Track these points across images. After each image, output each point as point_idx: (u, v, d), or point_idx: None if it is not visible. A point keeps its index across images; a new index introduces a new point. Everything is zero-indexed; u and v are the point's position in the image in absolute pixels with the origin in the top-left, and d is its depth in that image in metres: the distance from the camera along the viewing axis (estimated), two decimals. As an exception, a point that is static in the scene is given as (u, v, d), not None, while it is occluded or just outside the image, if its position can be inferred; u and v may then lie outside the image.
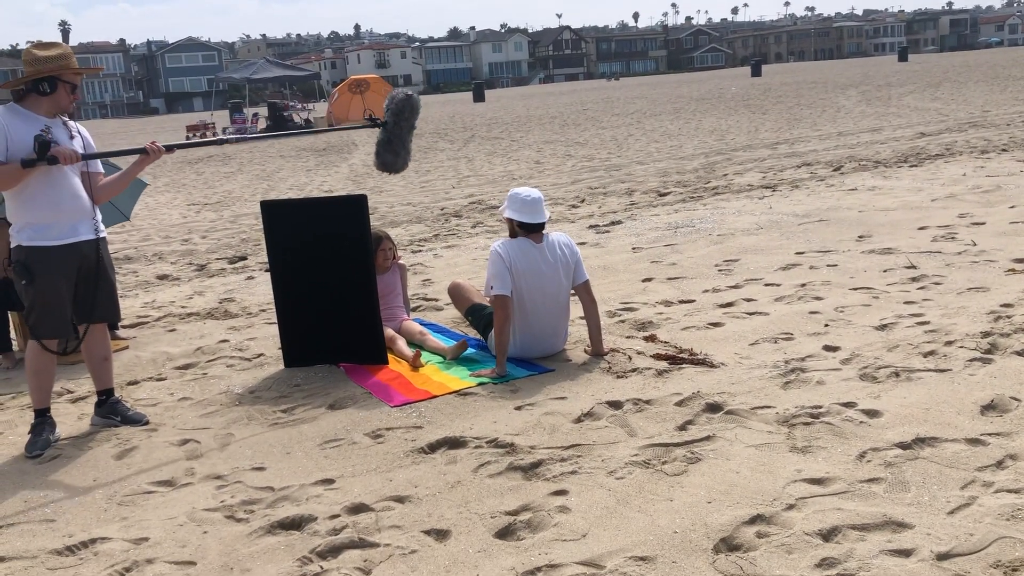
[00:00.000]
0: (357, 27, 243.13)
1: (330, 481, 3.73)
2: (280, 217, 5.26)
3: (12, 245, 4.30)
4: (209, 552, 3.21)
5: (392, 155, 5.14)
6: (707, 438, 3.84)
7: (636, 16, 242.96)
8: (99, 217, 4.48)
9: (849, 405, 4.05)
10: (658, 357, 4.94)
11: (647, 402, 4.30)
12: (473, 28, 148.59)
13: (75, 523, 3.54)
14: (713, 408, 4.15)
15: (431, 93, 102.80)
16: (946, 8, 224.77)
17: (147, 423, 4.60)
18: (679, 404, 4.24)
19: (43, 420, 4.42)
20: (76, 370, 5.53)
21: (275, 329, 5.69)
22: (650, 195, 11.93)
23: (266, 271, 8.20)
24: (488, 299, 5.21)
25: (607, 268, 7.44)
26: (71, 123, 4.42)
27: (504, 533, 3.19)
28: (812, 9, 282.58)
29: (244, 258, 9.68)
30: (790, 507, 3.18)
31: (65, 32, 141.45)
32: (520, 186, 5.45)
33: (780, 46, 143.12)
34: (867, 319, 5.37)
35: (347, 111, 33.15)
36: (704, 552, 2.95)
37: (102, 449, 4.31)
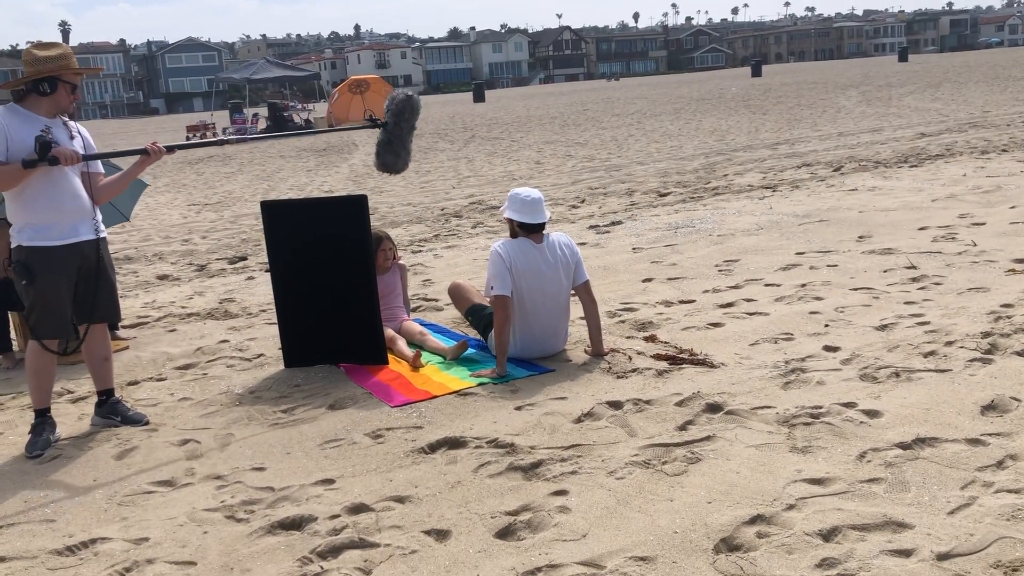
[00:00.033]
0: (357, 27, 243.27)
1: (330, 481, 3.73)
2: (280, 217, 5.26)
3: (12, 245, 4.30)
4: (209, 552, 3.22)
5: (392, 156, 5.14)
6: (707, 438, 3.84)
7: (636, 16, 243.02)
8: (99, 217, 4.49)
9: (849, 405, 4.05)
10: (658, 357, 4.94)
11: (647, 402, 4.30)
12: (473, 28, 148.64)
13: (75, 523, 3.54)
14: (713, 408, 4.15)
15: (431, 93, 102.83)
16: (946, 8, 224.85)
17: (147, 423, 4.61)
18: (679, 404, 4.24)
19: (43, 420, 4.42)
20: (76, 370, 5.54)
21: (275, 329, 5.69)
22: (650, 195, 11.93)
23: (266, 271, 8.20)
24: (488, 299, 5.21)
25: (607, 268, 7.44)
26: (71, 123, 4.42)
27: (504, 533, 3.19)
28: (812, 9, 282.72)
29: (244, 258, 9.68)
30: (790, 507, 3.18)
31: (65, 32, 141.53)
32: (520, 186, 5.46)
33: (780, 46, 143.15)
34: (867, 319, 5.37)
35: (347, 111, 33.15)
36: (704, 552, 2.95)
37: (102, 449, 4.31)
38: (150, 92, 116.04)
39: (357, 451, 4.04)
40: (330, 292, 5.22)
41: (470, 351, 5.30)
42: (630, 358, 4.97)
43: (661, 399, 4.32)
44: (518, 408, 4.39)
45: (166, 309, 7.28)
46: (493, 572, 2.94)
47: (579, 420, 4.17)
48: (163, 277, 8.93)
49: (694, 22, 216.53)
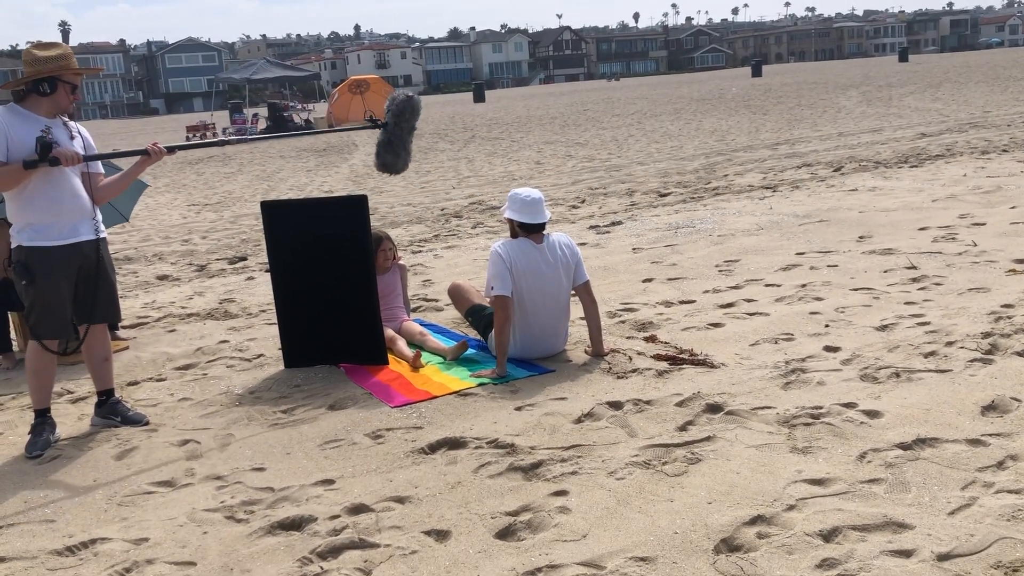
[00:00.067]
0: (357, 27, 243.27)
1: (330, 481, 3.73)
2: (280, 217, 5.26)
3: (12, 245, 4.30)
4: (209, 552, 3.21)
5: (392, 156, 5.14)
6: (707, 439, 3.84)
7: (636, 16, 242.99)
8: (99, 217, 4.48)
9: (849, 406, 4.05)
10: (658, 358, 4.94)
11: (647, 403, 4.30)
12: (473, 28, 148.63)
13: (75, 523, 3.54)
14: (713, 409, 4.15)
15: (431, 93, 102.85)
16: (946, 9, 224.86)
17: (147, 423, 4.60)
18: (679, 405, 4.24)
19: (43, 420, 4.42)
20: (76, 370, 5.53)
21: (275, 330, 5.69)
22: (650, 196, 11.93)
23: (266, 271, 8.20)
24: (488, 300, 5.21)
25: (607, 268, 7.44)
26: (71, 123, 4.42)
27: (504, 534, 3.19)
28: (812, 9, 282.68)
29: (244, 259, 9.68)
30: (790, 508, 3.18)
31: (65, 32, 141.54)
32: (521, 187, 5.46)
33: (780, 46, 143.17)
34: (868, 320, 5.37)
35: (347, 111, 33.16)
36: (704, 553, 2.95)
37: (102, 449, 4.31)
38: (150, 92, 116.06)
39: (357, 451, 4.04)
40: (330, 292, 5.22)
41: (470, 351, 5.30)
42: (630, 358, 4.97)
43: (661, 399, 4.32)
44: (518, 408, 4.38)
45: (166, 309, 7.28)
46: (493, 572, 2.94)
47: (579, 420, 4.17)
48: (163, 277, 8.93)
49: (694, 22, 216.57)
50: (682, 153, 17.08)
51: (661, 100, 38.40)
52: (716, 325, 5.54)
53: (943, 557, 2.80)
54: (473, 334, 5.72)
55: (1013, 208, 8.58)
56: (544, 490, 3.49)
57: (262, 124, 35.15)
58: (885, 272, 6.51)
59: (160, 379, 5.40)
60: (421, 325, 5.80)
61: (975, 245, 7.10)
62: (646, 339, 5.34)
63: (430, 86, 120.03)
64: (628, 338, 5.41)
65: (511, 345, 5.04)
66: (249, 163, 21.67)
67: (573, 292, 5.16)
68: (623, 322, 5.77)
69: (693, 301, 6.16)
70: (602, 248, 8.40)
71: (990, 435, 3.64)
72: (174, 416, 4.71)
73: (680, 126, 23.60)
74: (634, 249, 8.21)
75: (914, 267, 6.56)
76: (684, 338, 5.32)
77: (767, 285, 6.44)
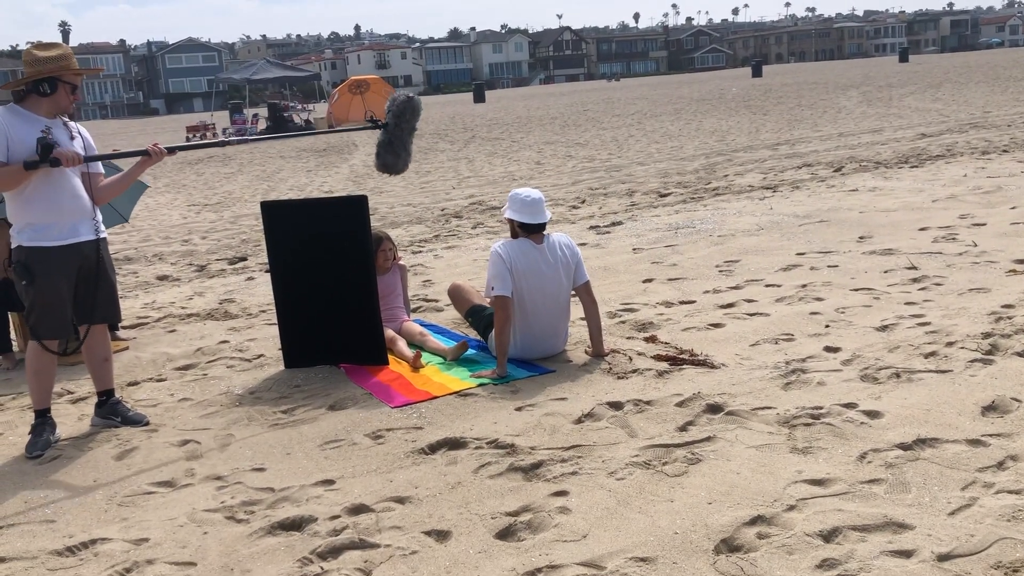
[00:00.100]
0: (357, 28, 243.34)
1: (330, 482, 3.73)
2: (280, 218, 5.26)
3: (12, 245, 4.30)
4: (209, 553, 3.21)
5: (393, 156, 5.14)
6: (708, 439, 3.84)
7: (636, 17, 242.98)
8: (99, 217, 4.48)
9: (850, 406, 4.05)
10: (659, 358, 4.94)
11: (648, 403, 4.30)
12: (473, 29, 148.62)
13: (75, 524, 3.54)
14: (714, 409, 4.15)
15: (431, 94, 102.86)
16: (947, 9, 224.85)
17: (147, 424, 4.60)
18: (680, 405, 4.24)
19: (43, 421, 4.42)
20: (76, 371, 5.53)
21: (275, 330, 5.69)
22: (651, 196, 11.93)
23: (266, 272, 8.19)
24: (488, 300, 5.21)
25: (608, 269, 7.44)
26: (71, 124, 4.42)
27: (505, 534, 3.19)
28: (813, 10, 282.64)
29: (244, 259, 9.68)
30: (791, 508, 3.18)
31: (65, 33, 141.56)
32: (521, 187, 5.46)
33: (781, 47, 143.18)
34: (868, 320, 5.37)
35: (347, 112, 33.14)
36: (705, 553, 2.95)
37: (102, 450, 4.31)
38: (150, 92, 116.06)
39: (357, 452, 4.04)
40: (330, 293, 5.22)
41: (470, 352, 5.30)
42: (630, 359, 4.97)
43: (661, 400, 4.32)
44: (518, 409, 4.38)
45: (166, 310, 7.28)
46: (493, 573, 2.94)
47: (579, 421, 4.17)
48: (163, 278, 8.93)
49: (694, 22, 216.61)
50: (682, 153, 17.08)
51: (661, 100, 38.40)
52: (716, 325, 5.54)
53: (943, 557, 2.80)
54: (473, 334, 5.72)
55: (1013, 208, 8.58)
56: (544, 490, 3.49)
57: (262, 124, 35.16)
58: (885, 272, 6.51)
59: (160, 379, 5.40)
60: (421, 325, 5.80)
61: (975, 245, 7.10)
62: (646, 339, 5.34)
63: (430, 86, 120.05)
64: (628, 338, 5.41)
65: (511, 345, 5.04)
66: (249, 163, 21.67)
67: (573, 292, 5.16)
68: (623, 322, 5.77)
69: (693, 301, 6.16)
70: (602, 248, 8.40)
71: (990, 435, 3.64)
72: (174, 416, 4.71)
73: (680, 126, 23.60)
74: (634, 249, 8.21)
75: (914, 267, 6.56)
76: (684, 338, 5.31)
77: (767, 285, 6.44)
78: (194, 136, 34.82)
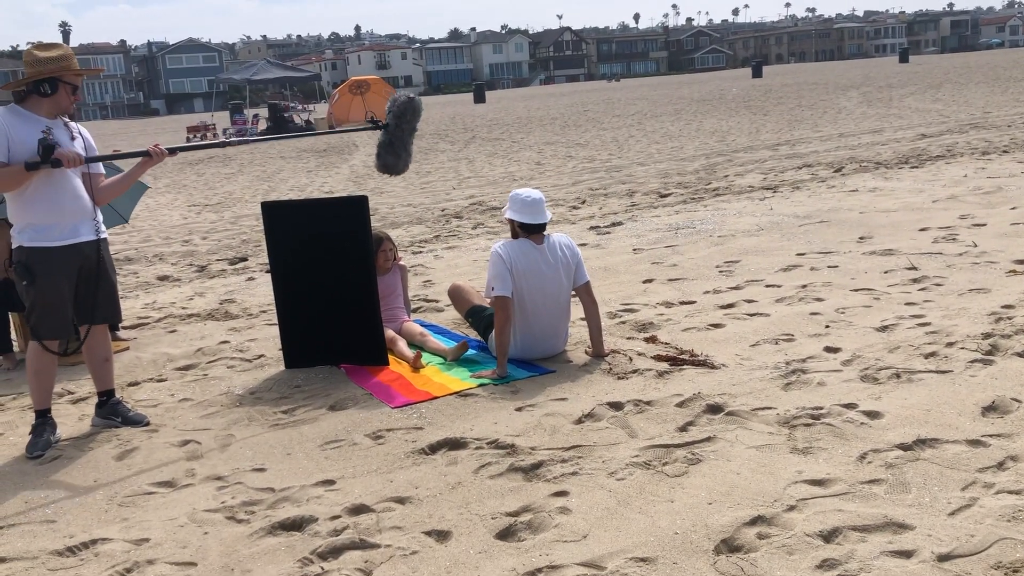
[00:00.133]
0: (357, 28, 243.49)
1: (331, 482, 3.73)
2: (281, 218, 5.26)
3: (13, 246, 4.31)
4: (210, 553, 3.22)
5: (393, 157, 5.15)
6: (708, 439, 3.84)
7: (637, 17, 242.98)
8: (100, 218, 4.49)
9: (850, 406, 4.05)
10: (659, 358, 4.94)
11: (648, 403, 4.30)
12: (474, 29, 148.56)
13: (76, 524, 3.54)
14: (714, 409, 4.15)
15: (432, 94, 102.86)
16: (947, 9, 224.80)
17: (148, 424, 4.61)
18: (680, 405, 4.24)
19: (44, 421, 4.42)
20: (77, 371, 5.54)
21: (276, 330, 5.69)
22: (651, 196, 11.93)
23: (267, 272, 8.20)
24: (489, 300, 5.21)
25: (608, 269, 7.45)
26: (72, 124, 4.42)
27: (505, 534, 3.19)
28: (813, 10, 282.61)
29: (245, 259, 9.69)
30: (791, 508, 3.18)
31: (66, 33, 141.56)
32: (521, 187, 5.46)
33: (781, 47, 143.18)
34: (868, 320, 5.37)
35: (348, 112, 33.14)
36: (705, 553, 2.95)
37: (103, 450, 4.31)
38: (150, 93, 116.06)
39: (358, 452, 4.04)
40: (330, 293, 5.22)
41: (471, 352, 5.30)
42: (631, 359, 4.97)
43: (662, 400, 4.32)
44: (519, 409, 4.39)
45: (166, 310, 7.29)
46: (494, 573, 2.94)
47: (580, 421, 4.17)
48: (163, 278, 8.93)
49: (695, 23, 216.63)
50: (682, 154, 17.09)
51: (661, 101, 38.41)
52: (716, 326, 5.54)
53: (943, 558, 2.80)
54: (473, 335, 5.72)
55: (1013, 209, 8.58)
56: (544, 491, 3.49)
57: (263, 125, 35.16)
58: (885, 273, 6.51)
59: (161, 380, 5.40)
60: (421, 326, 5.80)
61: (975, 246, 7.10)
62: (646, 340, 5.34)
63: (430, 87, 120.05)
64: (628, 339, 5.42)
65: (511, 346, 5.04)
66: (249, 164, 21.68)
67: (573, 293, 5.16)
68: (623, 323, 5.77)
69: (693, 302, 6.17)
70: (602, 249, 8.41)
71: (990, 436, 3.65)
72: (175, 417, 4.71)
73: (680, 127, 23.61)
74: (634, 250, 8.21)
75: (914, 268, 6.56)
76: (684, 339, 5.32)
77: (767, 286, 6.44)
78: (194, 136, 34.83)
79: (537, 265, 5.01)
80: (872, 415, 3.94)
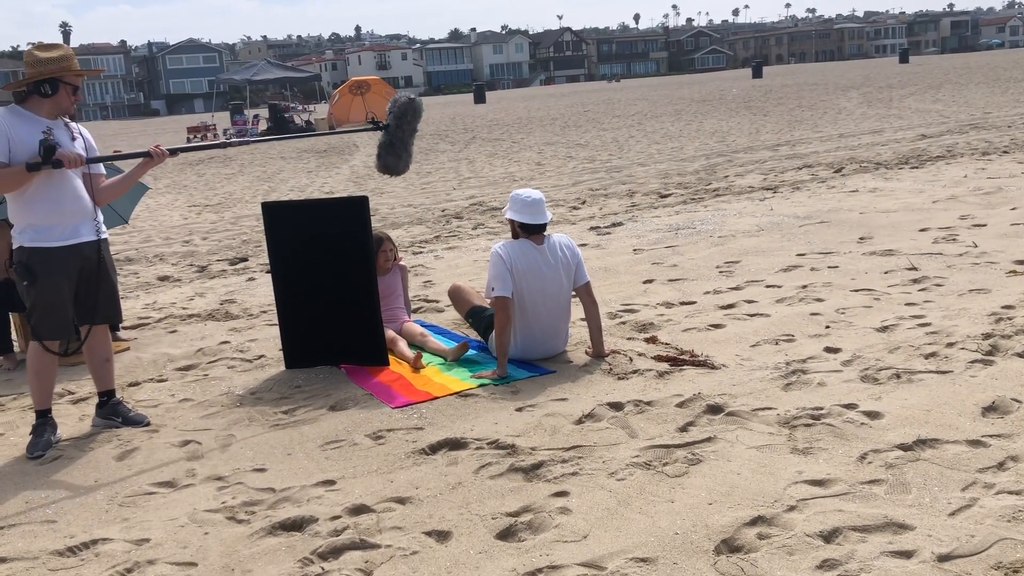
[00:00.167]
0: (358, 28, 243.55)
1: (331, 482, 3.73)
2: (281, 218, 5.26)
3: (14, 246, 4.31)
4: (210, 553, 3.22)
5: (394, 158, 5.15)
6: (708, 439, 3.84)
7: (637, 18, 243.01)
8: (101, 218, 4.49)
9: (850, 407, 4.05)
10: (659, 359, 4.94)
11: (648, 403, 4.30)
12: (474, 30, 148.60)
13: (76, 524, 3.54)
14: (714, 409, 4.15)
15: (432, 95, 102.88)
16: (947, 10, 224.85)
17: (148, 424, 4.61)
18: (680, 406, 4.24)
19: (44, 421, 4.42)
20: (77, 371, 5.54)
21: (276, 330, 5.69)
22: (651, 197, 11.94)
23: (267, 272, 8.20)
24: (489, 301, 5.22)
25: (608, 269, 7.45)
26: (72, 124, 4.42)
27: (505, 534, 3.19)
28: (813, 11, 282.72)
29: (245, 259, 9.69)
30: (791, 508, 3.18)
31: (66, 33, 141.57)
32: (521, 187, 5.46)
33: (781, 48, 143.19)
34: (868, 320, 5.38)
35: (348, 112, 33.17)
36: (705, 553, 2.95)
37: (103, 450, 4.32)
38: (151, 93, 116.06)
39: (358, 452, 4.04)
40: (331, 293, 5.22)
41: (471, 352, 5.30)
42: (631, 359, 4.98)
43: (662, 400, 4.33)
44: (519, 409, 4.39)
45: (167, 310, 7.29)
46: (494, 573, 2.94)
47: (580, 421, 4.17)
48: (164, 278, 8.93)
49: (695, 23, 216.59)
50: (683, 154, 17.09)
51: (662, 101, 38.41)
52: (717, 326, 5.54)
53: (943, 558, 2.80)
54: (474, 335, 5.72)
55: (1014, 209, 8.58)
56: (545, 491, 3.49)
57: (263, 125, 35.18)
58: (886, 273, 6.51)
59: (161, 380, 5.40)
60: (422, 326, 5.80)
61: (976, 246, 7.10)
62: (647, 340, 5.35)
63: (431, 87, 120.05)
64: (629, 339, 5.42)
65: (512, 346, 5.05)
66: (250, 164, 21.68)
67: (574, 293, 5.16)
68: (624, 323, 5.77)
69: (694, 302, 6.17)
70: (603, 249, 8.41)
71: (991, 436, 3.65)
72: (175, 417, 4.72)
73: (681, 127, 23.61)
74: (635, 250, 8.21)
75: (915, 268, 6.56)
76: (685, 339, 5.32)
77: (768, 286, 6.44)
78: (195, 137, 34.83)
79: (537, 265, 5.01)
80: (872, 415, 3.94)
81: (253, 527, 3.38)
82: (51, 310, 4.30)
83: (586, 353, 5.16)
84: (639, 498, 3.37)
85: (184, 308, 7.33)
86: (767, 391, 4.35)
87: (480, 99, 56.41)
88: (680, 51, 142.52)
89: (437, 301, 6.85)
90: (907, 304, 5.67)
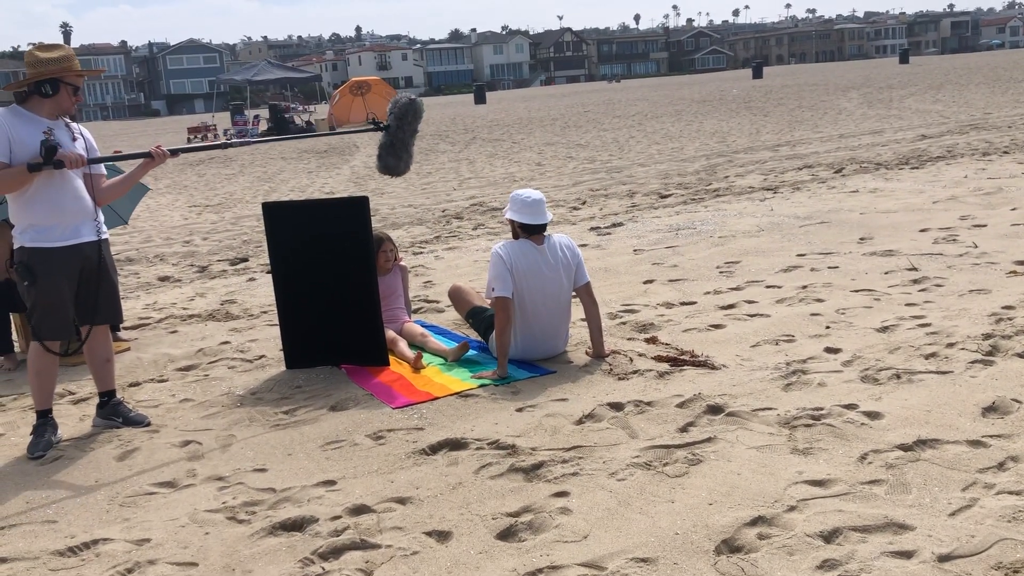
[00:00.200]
0: (358, 29, 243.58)
1: (331, 482, 3.74)
2: (281, 219, 5.27)
3: (15, 246, 4.31)
4: (211, 553, 3.22)
5: (394, 158, 5.15)
6: (708, 440, 3.84)
7: (637, 18, 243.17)
8: (101, 218, 4.49)
9: (850, 407, 4.05)
10: (659, 359, 4.94)
11: (648, 404, 4.30)
12: (474, 30, 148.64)
13: (77, 524, 3.54)
14: (714, 410, 4.15)
15: (432, 95, 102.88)
16: (947, 10, 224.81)
17: (149, 424, 4.61)
18: (680, 406, 4.24)
19: (45, 421, 4.42)
20: (78, 371, 5.54)
21: (276, 331, 5.70)
22: (651, 197, 11.94)
23: (267, 273, 8.20)
24: (489, 301, 5.22)
25: (608, 270, 7.45)
26: (73, 125, 4.42)
27: (505, 534, 3.20)
28: (813, 11, 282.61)
29: (245, 260, 9.69)
30: (791, 509, 3.18)
31: (67, 34, 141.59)
32: (522, 188, 5.47)
33: (781, 48, 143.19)
34: (868, 321, 5.38)
35: (348, 113, 33.20)
36: (705, 553, 2.95)
37: (104, 450, 4.32)
38: (151, 94, 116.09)
39: (358, 452, 4.05)
40: (331, 294, 5.23)
41: (471, 353, 5.31)
42: (631, 360, 4.98)
43: (662, 401, 4.33)
44: (519, 409, 4.39)
45: (167, 310, 7.29)
46: (494, 573, 2.95)
47: (580, 422, 4.17)
48: (164, 278, 8.93)
49: (695, 24, 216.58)
50: (683, 155, 17.09)
51: (662, 101, 38.41)
52: (717, 326, 5.54)
53: (944, 558, 2.80)
54: (474, 336, 5.73)
55: (1014, 210, 8.58)
56: (545, 491, 3.49)
57: (263, 126, 35.18)
58: (886, 273, 6.51)
59: (162, 380, 5.41)
60: (422, 326, 5.80)
61: (976, 247, 7.11)
62: (647, 340, 5.35)
63: (431, 87, 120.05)
64: (629, 339, 5.42)
65: (512, 346, 5.05)
66: (250, 164, 21.69)
67: (574, 294, 5.16)
68: (624, 323, 5.77)
69: (694, 302, 6.17)
70: (603, 249, 8.41)
71: (991, 436, 3.65)
72: (176, 417, 4.72)
73: (681, 128, 23.61)
74: (635, 250, 8.22)
75: (915, 268, 6.56)
76: (685, 339, 5.32)
77: (768, 286, 6.44)
78: (195, 137, 34.85)
79: (537, 266, 5.01)
80: (872, 416, 3.94)
81: (254, 527, 3.38)
82: (52, 310, 4.30)
83: (586, 353, 5.16)
84: (639, 498, 3.37)
85: (185, 308, 7.33)
86: (767, 391, 4.35)
87: (480, 99, 56.41)
88: (680, 51, 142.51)
89: (437, 301, 6.85)
90: (907, 304, 5.67)
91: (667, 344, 5.24)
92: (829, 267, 6.85)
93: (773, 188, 11.67)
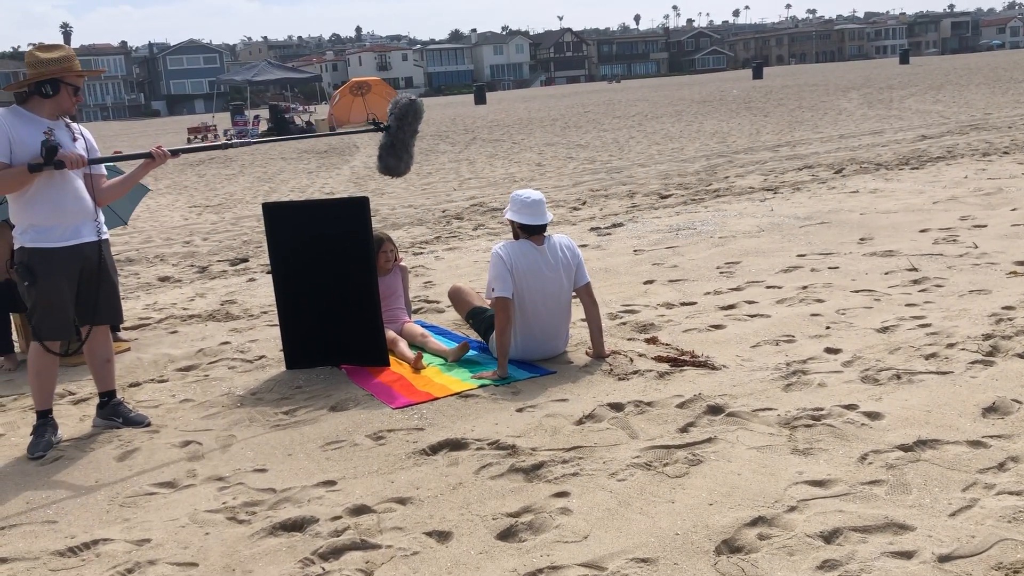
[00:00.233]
0: (358, 29, 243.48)
1: (332, 483, 3.74)
2: (282, 219, 5.27)
3: (15, 247, 4.31)
4: (211, 553, 3.22)
5: (395, 159, 5.15)
6: (708, 440, 3.84)
7: (637, 18, 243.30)
8: (102, 219, 4.49)
9: (850, 407, 4.05)
10: (659, 359, 4.94)
11: (648, 404, 4.30)
12: (474, 30, 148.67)
13: (77, 524, 3.54)
14: (714, 410, 4.15)
15: (432, 95, 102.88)
16: (947, 11, 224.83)
17: (149, 425, 4.61)
18: (680, 406, 4.24)
19: (45, 421, 4.42)
20: (78, 372, 5.54)
21: (277, 331, 5.70)
22: (651, 197, 11.94)
23: (268, 273, 8.20)
24: (489, 301, 5.22)
25: (608, 270, 7.45)
26: (73, 125, 4.42)
27: (506, 535, 3.20)
28: (813, 11, 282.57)
29: (246, 260, 9.69)
30: (791, 509, 3.18)
31: (67, 34, 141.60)
32: (522, 188, 5.47)
33: (781, 48, 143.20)
34: (868, 321, 5.38)
35: (348, 113, 33.20)
36: (706, 554, 2.95)
37: (104, 450, 4.32)
38: (151, 94, 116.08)
39: (359, 452, 4.05)
40: (331, 294, 5.23)
41: (471, 353, 5.31)
42: (631, 360, 4.98)
43: (662, 401, 4.33)
44: (519, 410, 4.39)
45: (168, 311, 7.29)
46: (494, 573, 2.95)
47: (580, 422, 4.17)
48: (164, 279, 8.94)
49: (695, 24, 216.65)
50: (683, 155, 17.09)
51: (662, 102, 38.42)
52: (717, 327, 5.54)
53: (944, 559, 2.80)
54: (474, 336, 5.73)
55: (1014, 210, 8.59)
56: (545, 491, 3.49)
57: (263, 126, 35.19)
58: (886, 274, 6.51)
59: (162, 380, 5.41)
60: (422, 327, 5.80)
61: (976, 247, 7.11)
62: (647, 341, 5.35)
63: (431, 88, 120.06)
64: (629, 340, 5.42)
65: (512, 347, 5.05)
66: (250, 165, 21.69)
67: (574, 294, 5.16)
68: (624, 324, 5.77)
69: (694, 303, 6.17)
70: (603, 250, 8.41)
71: (991, 437, 3.65)
72: (176, 417, 4.72)
73: (681, 128, 23.61)
74: (635, 251, 8.22)
75: (915, 269, 6.57)
76: (685, 340, 5.32)
77: (768, 287, 6.44)
78: (196, 138, 34.85)
79: (538, 266, 5.01)
80: (873, 416, 3.94)
81: (254, 527, 3.38)
82: (52, 311, 4.30)
83: (586, 354, 5.16)
84: (640, 498, 3.37)
85: (185, 309, 7.33)
86: (767, 392, 4.35)
87: (480, 100, 56.40)
88: (680, 52, 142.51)
89: (437, 302, 6.85)
90: (907, 305, 5.67)
91: (667, 344, 5.24)
92: (829, 267, 6.85)
93: (773, 188, 11.67)
